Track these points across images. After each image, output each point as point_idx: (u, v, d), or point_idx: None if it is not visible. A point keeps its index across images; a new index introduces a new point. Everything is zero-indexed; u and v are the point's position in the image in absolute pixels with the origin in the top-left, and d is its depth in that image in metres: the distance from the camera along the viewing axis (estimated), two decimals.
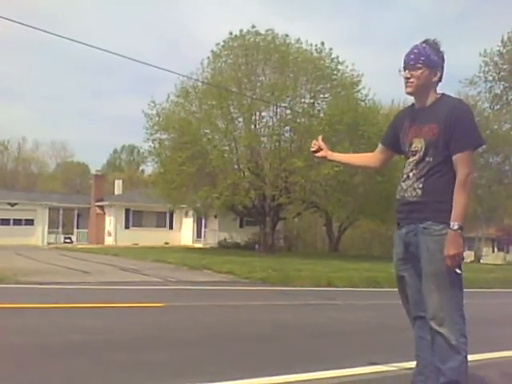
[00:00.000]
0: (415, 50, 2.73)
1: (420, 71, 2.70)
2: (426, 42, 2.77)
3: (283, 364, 4.03)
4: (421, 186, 2.71)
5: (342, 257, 24.48)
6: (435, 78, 2.75)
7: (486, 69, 30.44)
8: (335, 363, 4.01)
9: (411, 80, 2.73)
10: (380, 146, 3.09)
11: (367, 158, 3.21)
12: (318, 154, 3.18)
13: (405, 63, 2.75)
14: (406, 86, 2.77)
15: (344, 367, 3.87)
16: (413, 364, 3.85)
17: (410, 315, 2.90)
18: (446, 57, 2.79)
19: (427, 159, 2.70)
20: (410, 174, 2.77)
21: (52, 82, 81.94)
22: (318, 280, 11.96)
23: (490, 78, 30.63)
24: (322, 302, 9.16)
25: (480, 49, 32.92)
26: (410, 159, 2.79)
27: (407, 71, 2.74)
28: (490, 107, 31.58)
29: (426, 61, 2.70)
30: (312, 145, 3.21)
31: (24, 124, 77.01)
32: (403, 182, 2.82)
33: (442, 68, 2.77)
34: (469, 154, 2.62)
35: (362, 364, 3.99)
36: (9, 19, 10.22)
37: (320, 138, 3.22)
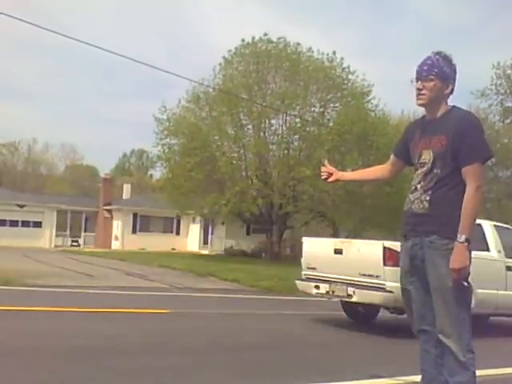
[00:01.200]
0: (428, 62, 2.72)
1: (433, 83, 2.69)
2: (439, 53, 2.75)
3: (288, 374, 4.00)
4: (428, 198, 2.69)
5: None
6: (447, 91, 2.74)
7: (498, 81, 30.31)
8: (339, 375, 3.98)
9: (423, 92, 2.72)
10: (392, 157, 3.08)
11: (378, 171, 3.20)
12: (331, 180, 3.18)
13: (418, 74, 2.74)
14: (418, 98, 2.75)
15: (349, 379, 3.83)
16: (418, 378, 3.82)
17: (414, 328, 2.87)
18: (457, 69, 2.79)
19: (435, 171, 2.68)
20: (418, 186, 2.75)
21: (64, 84, 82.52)
22: None
23: (502, 91, 30.49)
24: (327, 312, 9.10)
25: (492, 61, 32.74)
26: (419, 171, 2.77)
27: (420, 82, 2.73)
28: (500, 120, 31.42)
29: (438, 73, 2.69)
30: (322, 173, 3.19)
31: (35, 125, 77.55)
32: (411, 193, 2.80)
33: (454, 80, 2.77)
34: (478, 167, 2.60)
35: (366, 376, 3.95)
36: (23, 20, 10.32)
37: (326, 162, 3.22)
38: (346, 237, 33.45)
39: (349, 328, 7.23)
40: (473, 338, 2.64)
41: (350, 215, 24.78)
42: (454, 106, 2.78)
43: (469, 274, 2.55)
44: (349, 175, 3.28)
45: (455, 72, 2.77)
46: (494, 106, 30.92)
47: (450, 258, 2.53)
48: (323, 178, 3.19)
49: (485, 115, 30.78)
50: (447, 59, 2.74)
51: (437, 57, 2.73)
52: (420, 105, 2.78)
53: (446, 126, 2.67)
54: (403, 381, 3.92)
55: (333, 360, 4.85)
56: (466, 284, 2.56)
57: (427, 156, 2.72)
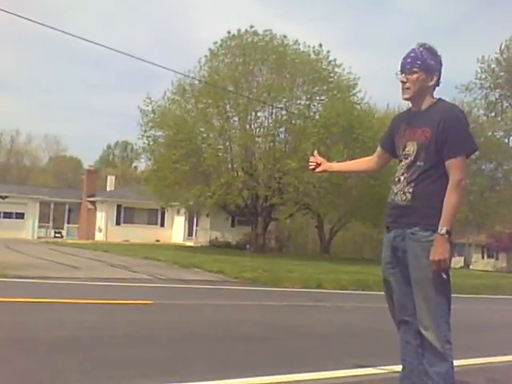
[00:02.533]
0: (412, 54, 2.72)
1: (416, 75, 2.69)
2: (423, 45, 2.74)
3: (270, 365, 4.03)
4: (411, 190, 2.69)
5: (332, 259, 24.51)
6: (431, 83, 2.73)
7: (483, 75, 30.63)
8: (322, 365, 4.01)
9: (407, 85, 2.72)
10: (378, 149, 3.08)
11: (365, 163, 3.20)
12: (318, 170, 3.15)
13: (401, 66, 2.74)
14: (403, 93, 2.76)
15: (330, 369, 3.87)
16: (399, 368, 3.87)
17: (395, 319, 2.90)
18: (443, 61, 2.78)
19: (418, 163, 2.68)
20: (401, 178, 2.75)
21: (48, 75, 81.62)
22: (308, 282, 11.96)
23: (486, 85, 30.80)
24: (311, 303, 9.16)
25: (478, 55, 33.02)
26: (402, 162, 2.77)
27: (403, 75, 2.73)
28: (484, 114, 31.76)
29: (422, 65, 2.68)
30: (310, 163, 3.17)
31: (18, 117, 76.59)
32: (394, 185, 2.80)
33: (439, 73, 2.76)
34: (462, 160, 2.61)
35: (348, 366, 3.99)
36: (3, 10, 10.13)
37: (315, 152, 3.19)
38: (331, 228, 33.70)
39: (333, 318, 7.29)
40: (450, 330, 2.67)
41: (335, 207, 24.92)
42: (439, 99, 2.77)
43: (449, 266, 2.56)
44: (336, 166, 3.27)
45: (440, 64, 2.76)
46: (478, 100, 31.29)
47: (431, 249, 2.55)
48: (311, 168, 3.17)
49: (469, 109, 31.07)
50: (431, 51, 2.73)
51: (421, 49, 2.72)
52: (405, 99, 2.78)
53: (431, 119, 2.67)
54: (384, 370, 3.97)
55: (316, 350, 4.88)
56: (445, 276, 2.57)
57: (411, 148, 2.72)
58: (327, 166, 3.14)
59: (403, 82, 2.73)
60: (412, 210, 2.67)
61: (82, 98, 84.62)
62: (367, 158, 3.19)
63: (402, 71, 2.73)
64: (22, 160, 58.56)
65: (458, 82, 30.09)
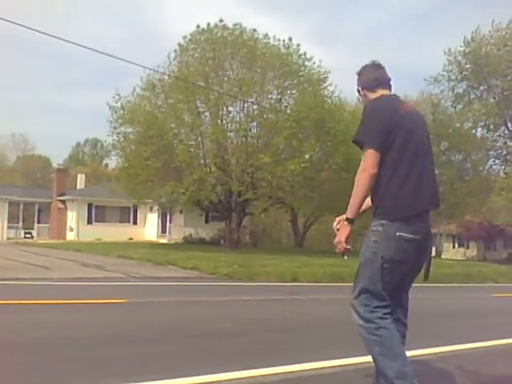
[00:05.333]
0: None
1: (361, 101, 3.15)
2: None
3: (247, 359, 4.02)
4: None
5: (307, 252, 24.67)
6: (362, 96, 3.07)
7: (450, 68, 31.09)
8: (300, 357, 4.03)
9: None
10: None
11: None
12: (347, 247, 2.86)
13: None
14: None
15: (306, 361, 3.89)
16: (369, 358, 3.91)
17: None
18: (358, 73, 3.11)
19: None
20: None
21: (14, 74, 79.62)
22: (283, 275, 12.02)
23: (453, 77, 31.30)
24: (286, 297, 9.20)
25: (445, 47, 33.53)
26: None
27: None
28: (452, 106, 32.30)
29: (357, 93, 3.13)
30: (340, 248, 2.82)
31: None
32: None
33: (362, 82, 3.06)
34: (365, 151, 2.71)
35: (324, 358, 4.02)
36: None
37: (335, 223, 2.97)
38: (305, 222, 33.91)
39: (309, 311, 7.33)
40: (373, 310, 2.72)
41: (309, 201, 25.03)
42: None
43: (348, 249, 2.71)
44: (361, 208, 2.91)
45: (359, 78, 3.09)
46: (446, 92, 31.75)
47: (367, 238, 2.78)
48: (341, 251, 2.82)
49: (437, 101, 31.56)
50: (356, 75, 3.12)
51: None
52: None
53: None
54: (359, 361, 4.00)
55: (293, 343, 4.90)
56: (345, 257, 2.77)
57: None
58: (349, 228, 2.80)
59: None
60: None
61: (49, 96, 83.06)
62: None
63: None
64: None
65: (427, 74, 30.46)
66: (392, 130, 2.69)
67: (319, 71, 24.59)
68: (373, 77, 3.00)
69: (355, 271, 2.82)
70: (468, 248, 46.18)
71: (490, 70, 30.08)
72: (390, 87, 3.01)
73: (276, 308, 7.71)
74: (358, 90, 3.09)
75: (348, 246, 2.71)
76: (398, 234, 2.66)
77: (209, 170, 23.55)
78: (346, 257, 2.75)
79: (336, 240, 2.74)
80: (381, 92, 2.94)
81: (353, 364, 3.94)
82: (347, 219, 2.73)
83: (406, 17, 79.53)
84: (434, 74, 31.15)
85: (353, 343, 4.85)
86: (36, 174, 56.78)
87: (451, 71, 31.08)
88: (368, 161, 2.68)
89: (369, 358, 3.94)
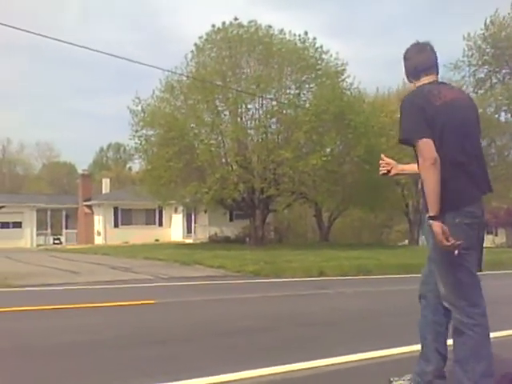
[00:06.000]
0: None
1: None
2: None
3: (278, 355, 4.03)
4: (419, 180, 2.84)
5: (332, 246, 24.55)
6: (408, 81, 3.01)
7: (470, 53, 30.56)
8: (330, 351, 4.01)
9: None
10: None
11: None
12: (391, 174, 3.16)
13: None
14: None
15: (338, 355, 3.87)
16: (406, 349, 3.88)
17: (419, 293, 3.02)
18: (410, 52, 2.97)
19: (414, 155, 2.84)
20: None
21: (35, 82, 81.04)
22: (310, 270, 11.98)
23: (474, 62, 30.75)
24: (313, 291, 9.17)
25: (464, 33, 32.92)
26: None
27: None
28: (474, 91, 31.73)
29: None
30: (381, 167, 3.15)
31: (8, 125, 76.05)
32: None
33: (408, 64, 2.95)
34: (417, 145, 2.64)
35: (354, 351, 3.99)
36: None
37: (383, 156, 3.19)
38: (329, 216, 33.75)
39: (337, 305, 7.30)
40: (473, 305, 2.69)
41: (332, 194, 24.88)
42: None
43: (451, 244, 2.56)
44: (408, 167, 3.18)
45: (405, 58, 2.97)
46: (466, 78, 31.24)
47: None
48: (382, 173, 3.17)
49: (459, 87, 31.02)
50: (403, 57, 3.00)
51: None
52: None
53: None
54: (391, 353, 3.97)
55: (323, 337, 4.88)
56: (456, 253, 2.58)
57: None
58: (399, 168, 3.16)
59: None
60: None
61: (71, 103, 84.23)
62: None
63: None
64: (15, 169, 58.37)
65: (447, 61, 29.95)
66: (429, 121, 2.66)
67: (336, 64, 24.41)
68: (413, 65, 2.92)
69: (432, 266, 2.77)
70: (497, 235, 45.34)
71: (511, 52, 29.45)
72: (436, 70, 2.92)
73: (304, 303, 7.69)
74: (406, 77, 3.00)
75: (452, 241, 2.56)
76: (456, 220, 2.64)
77: (230, 168, 23.59)
78: (457, 252, 2.59)
79: (437, 241, 2.58)
80: (424, 79, 2.87)
81: (385, 356, 3.91)
82: (431, 218, 2.60)
83: (422, 5, 78.31)
84: (454, 61, 30.67)
85: (383, 336, 4.83)
86: (62, 180, 57.73)
87: (471, 56, 30.56)
88: (424, 152, 2.62)
89: (401, 350, 3.93)
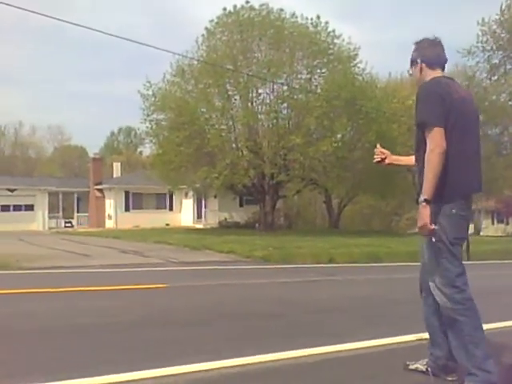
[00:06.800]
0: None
1: (411, 70, 3.11)
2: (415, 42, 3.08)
3: (287, 340, 4.06)
4: (417, 169, 2.96)
5: (342, 233, 24.56)
6: (416, 71, 3.03)
7: (484, 38, 30.00)
8: (338, 338, 4.04)
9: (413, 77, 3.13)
10: None
11: None
12: (386, 163, 3.29)
13: None
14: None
15: (347, 341, 3.90)
16: (415, 336, 3.90)
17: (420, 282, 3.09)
18: (425, 43, 3.02)
19: (415, 142, 2.95)
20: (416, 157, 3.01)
21: (47, 66, 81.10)
22: (319, 256, 12.02)
23: (488, 48, 30.25)
24: (323, 278, 9.21)
25: (479, 18, 32.34)
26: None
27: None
28: (487, 78, 31.28)
29: (410, 62, 3.07)
30: (375, 156, 3.30)
31: (20, 108, 76.49)
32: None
33: (420, 59, 3.00)
34: (429, 131, 2.74)
35: (365, 338, 4.02)
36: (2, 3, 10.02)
37: (379, 146, 3.32)
38: (339, 203, 33.71)
39: (344, 292, 7.33)
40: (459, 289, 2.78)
41: (342, 181, 24.82)
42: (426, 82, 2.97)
43: (433, 230, 2.70)
44: (405, 160, 3.34)
45: (417, 50, 3.03)
46: (481, 64, 30.68)
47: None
48: (376, 161, 3.30)
49: (472, 73, 30.62)
50: (415, 43, 3.06)
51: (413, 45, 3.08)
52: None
53: None
54: (401, 340, 3.99)
55: (333, 324, 4.92)
56: (433, 239, 2.74)
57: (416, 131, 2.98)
58: (393, 158, 3.30)
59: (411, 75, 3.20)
60: (420, 185, 2.86)
61: (81, 87, 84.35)
62: None
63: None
64: (27, 152, 58.76)
65: (461, 47, 29.48)
66: (446, 112, 2.77)
67: (349, 48, 24.19)
68: (435, 53, 3.00)
69: (426, 253, 2.86)
70: (508, 224, 45.04)
71: None
72: (444, 69, 3.03)
73: (313, 289, 7.73)
74: (415, 61, 3.02)
75: (433, 227, 2.70)
76: (453, 211, 2.77)
77: (241, 153, 23.57)
78: (433, 239, 2.73)
79: (421, 224, 2.71)
80: (438, 72, 2.97)
81: (395, 343, 3.93)
82: (425, 200, 2.69)
83: None
84: (468, 47, 30.19)
85: (393, 323, 4.85)
86: (73, 163, 58.06)
87: (486, 42, 30.02)
88: (436, 139, 2.73)
89: (410, 338, 3.95)
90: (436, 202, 2.71)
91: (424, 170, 2.73)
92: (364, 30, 75.93)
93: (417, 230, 2.76)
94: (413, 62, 3.04)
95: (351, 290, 7.55)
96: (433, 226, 2.69)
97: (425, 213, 2.69)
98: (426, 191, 2.70)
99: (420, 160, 2.86)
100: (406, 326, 4.12)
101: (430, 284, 2.84)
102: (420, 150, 2.86)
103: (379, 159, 3.26)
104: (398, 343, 3.94)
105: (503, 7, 29.47)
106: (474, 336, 2.72)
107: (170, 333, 4.36)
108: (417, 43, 3.04)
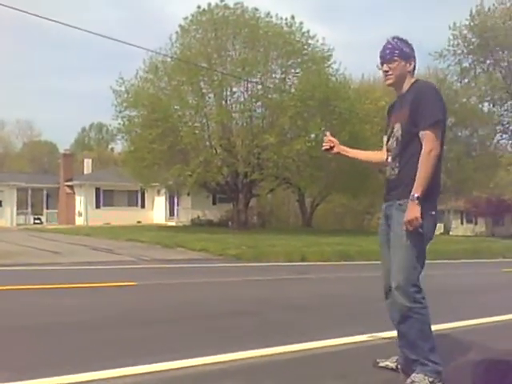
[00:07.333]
0: (389, 46, 2.98)
1: (396, 63, 2.98)
2: (396, 37, 3.02)
3: (259, 338, 4.05)
4: (397, 165, 2.96)
5: (314, 232, 24.72)
6: (410, 68, 3.00)
7: (455, 42, 30.66)
8: (310, 336, 4.06)
9: (390, 73, 2.99)
10: (384, 139, 3.23)
11: (379, 155, 3.32)
12: (333, 152, 3.27)
13: (381, 58, 3.01)
14: (386, 79, 3.03)
15: (319, 339, 3.92)
16: (385, 334, 3.94)
17: (383, 284, 3.08)
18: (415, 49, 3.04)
19: (401, 140, 2.94)
20: (391, 155, 3.03)
21: (17, 60, 79.35)
22: (292, 255, 12.06)
23: (459, 52, 30.89)
24: (295, 276, 9.25)
25: (450, 22, 32.96)
26: (389, 142, 3.05)
27: (385, 65, 2.99)
28: (458, 80, 31.94)
29: (400, 53, 2.97)
30: (324, 143, 3.28)
31: None
32: (387, 162, 3.06)
33: (415, 58, 3.02)
34: (430, 132, 2.80)
35: (336, 336, 4.04)
36: None
37: (328, 133, 3.31)
38: (312, 202, 33.93)
39: (317, 290, 7.37)
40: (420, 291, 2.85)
41: (315, 180, 24.97)
42: (416, 80, 3.02)
43: (420, 224, 2.77)
44: (351, 152, 3.33)
45: (413, 50, 3.03)
46: (452, 67, 31.37)
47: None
48: (324, 148, 3.28)
49: (443, 76, 31.21)
50: (404, 41, 3.02)
51: (395, 40, 3.00)
52: (389, 85, 3.06)
53: (408, 98, 2.93)
54: (371, 338, 4.03)
55: (304, 321, 4.93)
56: (420, 230, 2.78)
57: (397, 128, 2.99)
58: (341, 148, 3.29)
59: (386, 71, 3.00)
60: (399, 182, 2.93)
61: (53, 82, 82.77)
62: (379, 152, 3.34)
63: (383, 62, 3.01)
64: None
65: (433, 50, 30.07)
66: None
67: (323, 49, 24.34)
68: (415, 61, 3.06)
69: (396, 252, 2.87)
70: (476, 224, 46.07)
71: (496, 43, 29.66)
72: None
73: (286, 287, 7.75)
74: (412, 58, 2.99)
75: (421, 221, 2.76)
76: (433, 212, 2.86)
77: (214, 151, 23.50)
78: (421, 230, 2.79)
79: (411, 217, 2.74)
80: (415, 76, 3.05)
81: (365, 341, 3.97)
82: (418, 198, 2.75)
83: None
84: (439, 50, 30.76)
85: (364, 321, 4.90)
86: (43, 159, 56.96)
87: (457, 45, 30.67)
88: (436, 141, 2.80)
89: (381, 335, 3.99)
90: (416, 199, 2.77)
91: (419, 168, 2.77)
92: (338, 31, 76.62)
93: (404, 224, 2.77)
94: (408, 57, 2.97)
95: (323, 288, 7.60)
96: (421, 221, 2.76)
97: (417, 208, 2.74)
98: (419, 189, 2.75)
99: (404, 158, 2.90)
100: (377, 323, 4.16)
101: (393, 283, 2.87)
102: (407, 148, 2.88)
103: (327, 147, 3.25)
104: (367, 341, 3.97)
105: (473, 12, 30.14)
106: (424, 331, 2.82)
107: (141, 331, 4.31)
108: (408, 42, 3.02)
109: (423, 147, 2.79)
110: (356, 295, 6.90)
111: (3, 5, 10.67)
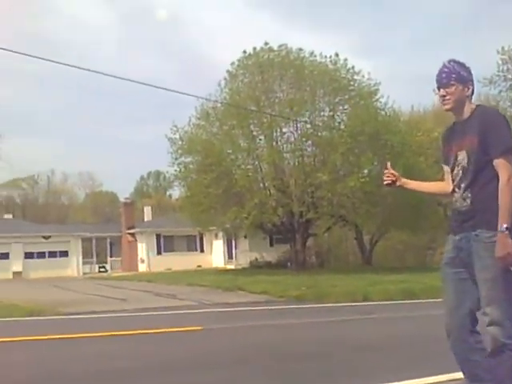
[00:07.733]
0: (445, 69, 2.89)
1: (454, 87, 2.85)
2: (452, 60, 2.92)
3: (328, 380, 4.04)
4: (469, 195, 2.83)
5: (375, 270, 24.17)
6: (468, 92, 2.90)
7: (505, 67, 29.95)
8: (381, 378, 4.01)
9: (447, 97, 2.88)
10: (445, 168, 3.12)
11: (441, 186, 3.21)
12: (396, 185, 3.19)
13: (438, 83, 2.91)
14: (444, 104, 2.92)
15: (392, 381, 3.86)
16: (456, 376, 3.84)
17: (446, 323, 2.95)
18: (472, 72, 2.94)
19: (471, 168, 2.81)
20: (459, 185, 2.89)
21: (72, 112, 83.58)
22: (354, 295, 11.87)
23: (510, 76, 30.12)
24: (359, 316, 9.10)
25: (497, 47, 32.31)
26: (455, 171, 2.92)
27: (442, 90, 2.89)
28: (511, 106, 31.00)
29: (457, 77, 2.86)
30: (385, 177, 3.20)
31: (51, 157, 78.41)
32: (454, 193, 2.93)
33: (472, 82, 2.93)
34: (506, 158, 2.70)
35: (408, 377, 3.97)
36: (26, 54, 10.62)
37: (389, 165, 3.23)
38: (371, 239, 33.27)
39: (382, 331, 7.23)
40: None
41: (371, 216, 24.55)
42: (478, 105, 2.93)
43: None
44: (413, 184, 3.25)
45: (471, 74, 2.93)
46: (503, 92, 30.52)
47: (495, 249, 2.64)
48: (386, 183, 3.22)
49: (495, 102, 30.42)
50: (461, 64, 2.91)
51: (451, 63, 2.90)
52: (447, 110, 2.93)
53: (474, 125, 2.82)
54: (441, 380, 3.95)
55: (373, 363, 4.86)
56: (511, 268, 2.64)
57: (462, 156, 2.86)
58: (403, 181, 3.20)
59: (443, 96, 2.89)
60: (473, 213, 2.79)
61: (110, 133, 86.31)
62: (442, 182, 3.20)
63: (440, 87, 2.90)
64: (60, 199, 60.09)
65: (482, 76, 29.44)
66: None
67: (369, 84, 24.40)
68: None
69: (484, 287, 2.73)
70: None
71: None
72: None
73: (349, 328, 7.65)
74: (470, 82, 2.90)
75: None
76: None
77: (268, 192, 23.71)
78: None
79: (504, 253, 2.61)
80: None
81: (438, 383, 3.88)
82: (507, 229, 2.62)
83: (451, 20, 77.47)
84: (488, 76, 30.10)
85: (432, 362, 4.77)
86: (104, 209, 59.04)
87: (507, 70, 29.94)
88: (511, 167, 2.70)
89: (452, 376, 3.89)
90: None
91: (500, 198, 2.66)
92: (383, 64, 76.47)
93: (497, 259, 2.63)
94: (465, 81, 2.88)
95: (389, 328, 7.44)
96: None
97: (508, 241, 2.61)
98: (505, 220, 2.62)
99: (475, 187, 2.78)
100: (450, 364, 4.07)
101: (486, 319, 2.72)
102: (478, 177, 2.77)
103: (389, 181, 3.17)
104: (442, 382, 3.88)
105: None
106: None
107: (208, 375, 4.39)
108: (465, 66, 2.92)
109: (500, 176, 2.69)
110: (424, 335, 6.72)
111: (81, 67, 11.47)
